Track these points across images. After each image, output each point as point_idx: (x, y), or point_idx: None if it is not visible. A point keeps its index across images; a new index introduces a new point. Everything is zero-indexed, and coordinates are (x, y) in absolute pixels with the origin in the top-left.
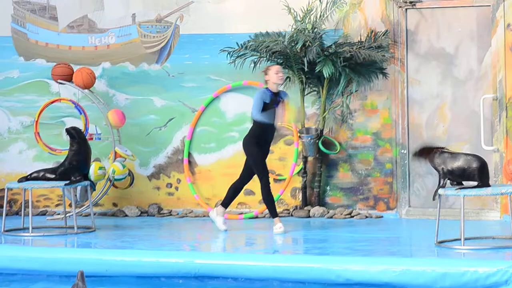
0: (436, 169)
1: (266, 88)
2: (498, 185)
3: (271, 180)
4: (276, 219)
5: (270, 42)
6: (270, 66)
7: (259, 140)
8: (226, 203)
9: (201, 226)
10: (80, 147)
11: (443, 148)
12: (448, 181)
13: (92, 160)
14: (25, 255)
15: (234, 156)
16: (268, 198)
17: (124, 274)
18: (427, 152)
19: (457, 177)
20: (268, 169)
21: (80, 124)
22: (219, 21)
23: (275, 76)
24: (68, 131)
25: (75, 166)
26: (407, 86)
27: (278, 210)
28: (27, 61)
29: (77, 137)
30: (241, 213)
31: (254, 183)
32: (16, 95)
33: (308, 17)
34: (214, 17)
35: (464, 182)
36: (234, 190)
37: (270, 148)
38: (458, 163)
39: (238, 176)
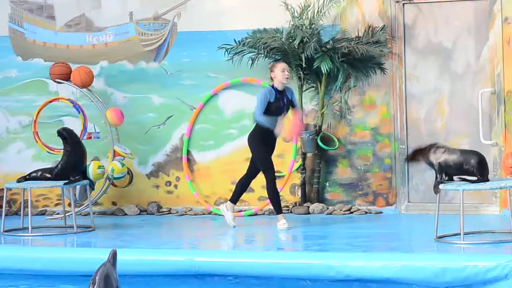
0: (432, 165)
1: (272, 85)
2: (497, 179)
3: None
4: (280, 215)
5: (268, 39)
6: (276, 63)
7: (264, 136)
8: (234, 199)
9: (201, 224)
10: (73, 148)
11: (435, 143)
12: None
13: (91, 159)
14: (25, 255)
15: (233, 153)
16: (273, 194)
17: (124, 273)
18: (420, 154)
19: (455, 172)
20: None
21: (78, 123)
22: (216, 18)
23: (281, 74)
24: (60, 132)
25: (71, 166)
26: (405, 81)
27: None
28: (25, 61)
29: (68, 138)
30: (241, 211)
31: (253, 181)
32: (14, 94)
33: (306, 13)
34: (211, 14)
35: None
36: (242, 186)
37: None
38: (455, 158)
39: (236, 173)
